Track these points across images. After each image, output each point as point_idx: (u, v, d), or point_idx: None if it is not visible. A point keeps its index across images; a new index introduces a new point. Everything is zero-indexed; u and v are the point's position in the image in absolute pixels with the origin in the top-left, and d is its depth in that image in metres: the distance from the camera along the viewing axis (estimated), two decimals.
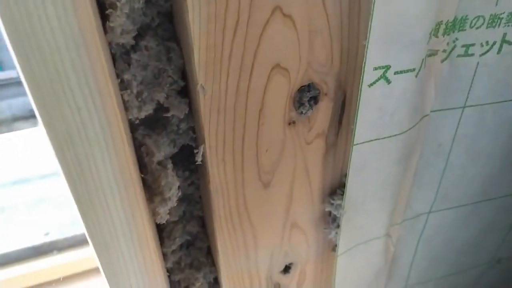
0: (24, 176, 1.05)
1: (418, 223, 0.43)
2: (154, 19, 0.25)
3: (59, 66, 0.19)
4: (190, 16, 0.22)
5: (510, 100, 0.35)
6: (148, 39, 0.25)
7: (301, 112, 0.28)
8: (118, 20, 0.22)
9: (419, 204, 0.41)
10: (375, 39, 0.25)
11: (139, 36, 0.25)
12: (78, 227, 0.91)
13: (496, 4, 0.29)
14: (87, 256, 0.83)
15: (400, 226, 0.41)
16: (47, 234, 0.89)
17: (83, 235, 0.97)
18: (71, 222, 0.90)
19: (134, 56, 0.25)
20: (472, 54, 0.31)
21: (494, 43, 0.31)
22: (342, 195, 0.33)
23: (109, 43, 0.24)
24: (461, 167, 0.38)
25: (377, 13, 0.24)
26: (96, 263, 0.26)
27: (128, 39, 0.24)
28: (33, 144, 1.23)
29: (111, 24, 0.22)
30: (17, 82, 3.40)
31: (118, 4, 0.22)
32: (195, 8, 0.21)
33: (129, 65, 0.25)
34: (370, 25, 0.24)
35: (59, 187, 1.01)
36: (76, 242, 0.86)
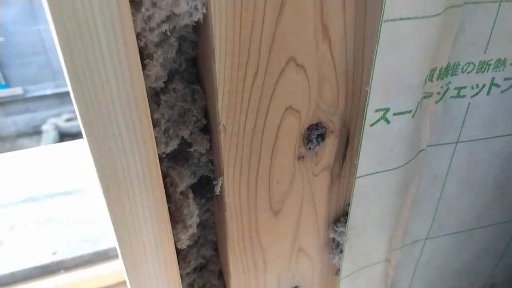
0: (33, 195, 1.08)
1: (416, 249, 0.45)
2: (182, 64, 0.29)
3: (112, 115, 0.22)
4: (216, 66, 0.25)
5: (499, 136, 0.38)
6: (176, 82, 0.28)
7: (310, 148, 0.31)
8: (154, 69, 0.25)
9: (417, 231, 0.44)
10: (376, 86, 0.28)
11: (168, 79, 0.28)
12: (85, 247, 0.93)
13: (485, 52, 0.32)
14: (93, 275, 0.85)
15: (399, 251, 0.43)
16: (54, 253, 0.91)
17: (90, 254, 0.99)
18: (79, 242, 0.92)
19: (163, 98, 0.28)
20: (464, 96, 0.34)
21: (484, 85, 0.34)
22: (345, 223, 0.36)
23: None
24: (455, 197, 0.41)
25: (379, 63, 0.27)
26: (126, 280, 0.28)
27: (160, 84, 0.27)
28: (41, 163, 1.25)
29: (148, 73, 0.25)
30: (22, 99, 3.39)
31: (154, 55, 0.25)
32: (221, 60, 0.25)
33: (158, 105, 0.28)
34: (372, 73, 0.27)
35: (67, 207, 1.03)
36: (83, 262, 0.88)
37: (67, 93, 3.07)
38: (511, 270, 0.54)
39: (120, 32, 0.21)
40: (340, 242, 0.37)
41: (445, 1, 0.27)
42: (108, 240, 0.94)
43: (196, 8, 0.22)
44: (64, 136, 3.09)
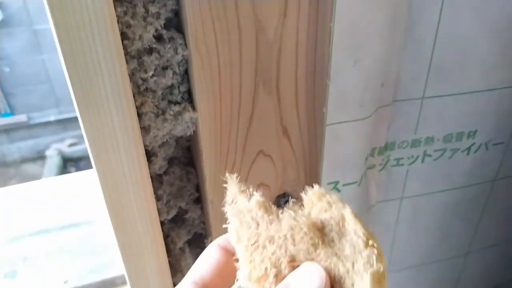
0: (44, 227, 1.16)
1: None
2: (179, 153, 0.38)
3: (127, 198, 0.32)
4: (204, 162, 0.34)
5: (437, 192, 0.47)
6: (174, 167, 0.37)
7: None
8: (158, 163, 0.34)
9: None
10: (327, 165, 0.37)
11: (168, 165, 0.37)
12: (95, 276, 1.01)
13: (415, 133, 0.41)
14: None
15: None
16: (66, 282, 0.99)
17: (98, 282, 1.07)
18: (89, 271, 1.00)
19: (165, 178, 0.37)
20: (403, 164, 0.43)
21: (418, 156, 0.43)
22: None
23: None
24: (406, 239, 0.50)
25: (327, 149, 0.36)
26: None
27: (162, 170, 0.36)
28: (49, 196, 1.34)
29: (154, 166, 0.34)
30: (26, 126, 3.47)
31: (158, 154, 0.34)
32: (207, 156, 0.34)
33: (161, 183, 0.37)
34: (322, 159, 0.37)
35: (77, 238, 1.12)
36: None
37: (70, 119, 3.18)
38: None
39: (134, 148, 0.30)
40: None
41: (375, 104, 0.36)
42: (115, 269, 1.02)
43: (188, 127, 0.32)
44: (67, 160, 3.18)
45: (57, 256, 1.07)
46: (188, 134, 0.32)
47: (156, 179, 0.37)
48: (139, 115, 0.30)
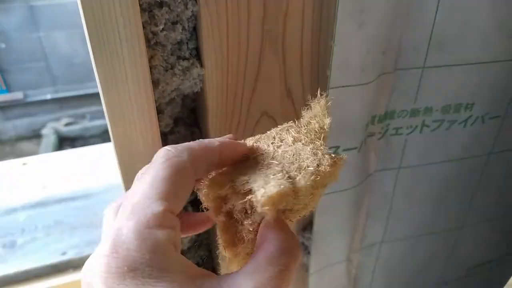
0: (42, 200, 1.17)
1: (374, 251, 0.56)
2: (184, 113, 0.39)
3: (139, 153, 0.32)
4: (209, 120, 0.35)
5: (434, 163, 0.48)
6: (180, 126, 0.38)
7: None
8: (164, 120, 0.35)
9: (373, 236, 0.54)
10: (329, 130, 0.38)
11: (174, 124, 0.38)
12: (91, 248, 1.03)
13: (415, 102, 0.42)
14: None
15: (358, 253, 0.54)
16: (64, 253, 1.00)
17: None
18: (85, 244, 1.02)
19: (170, 137, 0.38)
20: (401, 134, 0.44)
21: (417, 126, 0.44)
22: (311, 230, 0.46)
23: None
24: (402, 209, 0.51)
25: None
26: None
27: (168, 128, 0.37)
28: (47, 170, 1.34)
29: (160, 123, 0.35)
30: (22, 104, 3.44)
31: (165, 111, 0.35)
32: (213, 115, 0.35)
33: (166, 142, 0.38)
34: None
35: (74, 212, 1.13)
36: None
37: (67, 98, 3.16)
38: (459, 270, 0.64)
39: (145, 100, 0.31)
40: (308, 245, 0.47)
41: (377, 71, 0.37)
42: None
43: (196, 84, 0.32)
44: (63, 140, 3.17)
45: (55, 229, 1.08)
46: (196, 90, 0.33)
47: (162, 138, 0.38)
48: (149, 68, 0.30)
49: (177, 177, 0.20)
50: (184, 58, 0.32)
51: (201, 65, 0.32)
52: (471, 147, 0.48)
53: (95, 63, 0.27)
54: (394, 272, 0.60)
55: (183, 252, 0.46)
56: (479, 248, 0.63)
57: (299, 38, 0.33)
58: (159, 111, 0.35)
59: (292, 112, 0.37)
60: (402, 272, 0.61)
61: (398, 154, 0.46)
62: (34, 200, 1.20)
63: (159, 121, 0.35)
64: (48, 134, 3.12)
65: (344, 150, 0.40)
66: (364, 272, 0.58)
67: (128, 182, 0.33)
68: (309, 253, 0.48)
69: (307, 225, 0.47)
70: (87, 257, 0.87)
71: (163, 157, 0.21)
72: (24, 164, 1.45)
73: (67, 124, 3.16)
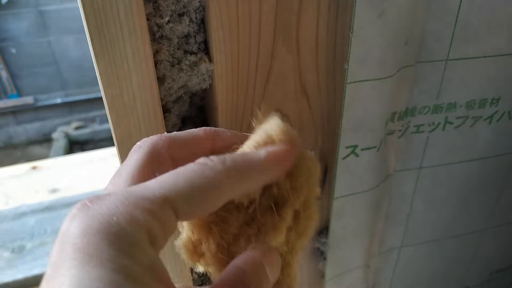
0: (52, 204, 1.16)
1: (393, 256, 0.53)
2: (192, 112, 0.36)
3: None
4: (219, 119, 0.33)
5: (457, 162, 0.45)
6: (188, 126, 0.36)
7: None
8: (171, 119, 0.33)
9: (392, 240, 0.51)
10: (346, 129, 0.36)
11: (182, 123, 0.36)
12: None
13: (437, 98, 0.40)
14: None
15: (377, 258, 0.51)
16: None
17: None
18: None
19: None
20: (423, 131, 0.42)
21: (439, 123, 0.42)
22: (327, 235, 0.43)
23: None
24: (423, 212, 0.49)
25: (346, 114, 0.35)
26: None
27: (176, 128, 0.35)
28: (57, 173, 1.34)
29: (167, 122, 0.33)
30: (33, 108, 3.47)
31: (172, 110, 0.33)
32: (223, 114, 0.32)
33: None
34: (341, 121, 0.35)
35: None
36: None
37: (76, 102, 3.17)
38: (481, 275, 0.61)
39: (150, 98, 0.29)
40: (324, 250, 0.45)
41: (398, 64, 0.35)
42: None
43: (204, 80, 0.30)
44: (73, 143, 3.18)
45: None
46: (204, 87, 0.31)
47: None
48: (154, 63, 0.28)
49: (150, 162, 0.19)
50: (192, 53, 0.30)
51: (210, 60, 0.30)
52: (496, 145, 0.45)
53: (95, 58, 0.25)
54: (414, 278, 0.58)
55: None
56: (502, 252, 0.60)
57: (315, 30, 0.31)
58: (166, 110, 0.33)
59: (307, 109, 0.35)
60: (422, 277, 0.58)
61: (419, 153, 0.43)
62: (43, 204, 1.19)
63: (165, 120, 0.33)
64: (59, 138, 3.14)
65: (362, 149, 0.38)
66: (383, 278, 0.56)
67: None
68: (325, 258, 0.45)
69: (323, 230, 0.44)
70: None
71: (137, 145, 0.21)
72: (34, 167, 1.45)
73: (77, 128, 3.17)
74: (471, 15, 0.35)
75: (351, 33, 0.31)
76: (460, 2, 0.34)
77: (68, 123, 3.25)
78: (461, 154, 0.45)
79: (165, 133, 0.22)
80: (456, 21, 0.35)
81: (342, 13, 0.31)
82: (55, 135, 3.17)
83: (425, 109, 0.40)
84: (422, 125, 0.41)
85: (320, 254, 0.46)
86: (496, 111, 0.42)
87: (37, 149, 3.29)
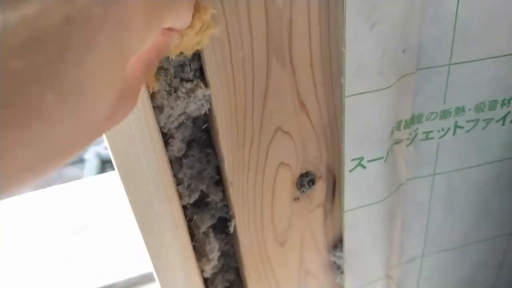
0: (80, 224, 1.19)
1: (415, 265, 0.52)
2: (197, 135, 0.37)
3: (145, 183, 0.31)
4: (221, 141, 0.33)
5: (472, 167, 0.44)
6: (193, 149, 0.37)
7: (303, 191, 0.39)
8: (176, 145, 0.34)
9: (412, 250, 0.50)
10: (349, 142, 0.36)
11: (187, 147, 0.37)
12: (132, 270, 1.03)
13: (444, 103, 0.39)
14: None
15: (398, 268, 0.50)
16: (106, 277, 1.02)
17: (137, 277, 1.07)
18: (125, 266, 1.03)
19: (185, 161, 0.37)
20: (432, 138, 0.41)
21: (449, 128, 0.41)
22: (342, 248, 0.43)
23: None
24: (441, 219, 0.47)
25: (348, 126, 0.35)
26: None
27: (181, 153, 0.36)
28: (85, 195, 1.37)
29: (171, 148, 0.34)
30: None
31: (175, 135, 0.34)
32: (224, 137, 0.33)
33: (181, 167, 0.37)
34: (343, 134, 0.35)
35: (113, 235, 1.15)
36: (130, 283, 0.98)
37: None
38: (511, 281, 0.59)
39: (146, 127, 0.30)
40: (340, 264, 0.44)
41: (397, 73, 0.34)
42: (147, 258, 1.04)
43: (202, 105, 0.31)
44: (105, 162, 3.26)
45: (94, 252, 1.10)
46: (203, 112, 0.32)
47: (176, 163, 0.37)
48: (152, 94, 0.29)
49: None
50: (188, 80, 0.30)
51: (206, 86, 0.31)
52: None
53: None
54: (439, 286, 0.56)
55: (211, 278, 0.44)
56: None
57: (308, 46, 0.31)
58: (170, 136, 0.34)
59: (308, 124, 0.35)
60: (448, 285, 0.56)
61: (431, 160, 0.43)
62: (74, 225, 1.23)
63: (170, 146, 0.34)
64: (91, 158, 3.22)
65: (369, 161, 0.37)
66: None
67: (138, 215, 0.32)
68: (342, 272, 0.45)
69: (337, 243, 0.44)
70: (128, 280, 0.86)
71: None
72: (68, 188, 1.49)
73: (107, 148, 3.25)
74: (470, 17, 0.34)
75: (344, 48, 0.31)
76: (457, 6, 0.33)
77: (98, 143, 3.34)
78: (475, 158, 0.44)
79: None
80: (455, 25, 0.35)
81: (334, 28, 0.31)
82: (87, 156, 3.26)
83: (432, 115, 0.39)
84: (431, 131, 0.41)
85: (336, 268, 0.45)
86: (509, 112, 0.41)
87: (71, 170, 3.38)
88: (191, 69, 0.31)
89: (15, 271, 1.09)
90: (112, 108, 0.17)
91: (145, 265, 1.05)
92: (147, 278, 1.01)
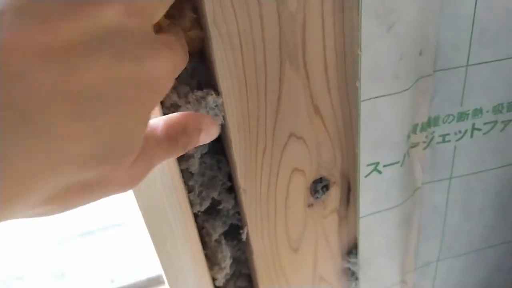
0: (88, 229, 1.19)
1: (430, 270, 0.50)
2: (209, 144, 0.36)
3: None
4: (233, 149, 0.32)
5: (490, 169, 0.43)
6: (205, 157, 0.36)
7: (317, 197, 0.38)
8: (192, 161, 0.33)
9: (428, 254, 0.49)
10: (365, 146, 0.35)
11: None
12: (139, 274, 1.03)
13: (461, 105, 0.38)
14: None
15: (413, 273, 0.49)
16: (113, 281, 1.01)
17: (144, 281, 1.08)
18: (133, 269, 1.02)
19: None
20: (449, 141, 0.40)
21: (466, 131, 0.40)
22: (357, 254, 0.42)
23: None
24: (458, 223, 0.46)
25: (363, 131, 0.34)
26: None
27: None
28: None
29: (191, 169, 0.33)
30: None
31: (195, 155, 0.33)
32: (237, 144, 0.32)
33: (192, 174, 0.36)
34: (359, 138, 0.34)
35: (120, 238, 1.14)
36: (138, 287, 0.97)
37: None
38: None
39: None
40: (355, 271, 0.43)
41: (414, 76, 0.33)
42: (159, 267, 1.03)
43: (216, 115, 0.30)
44: None
45: (103, 256, 1.10)
46: (219, 123, 0.31)
47: (187, 170, 0.36)
48: (161, 102, 0.28)
49: None
50: (198, 88, 0.30)
51: (218, 94, 0.30)
52: None
53: None
54: None
55: (222, 286, 0.44)
56: None
57: (322, 50, 0.30)
58: (190, 156, 0.33)
59: (322, 129, 0.34)
60: None
61: (447, 163, 0.41)
62: (81, 230, 1.23)
63: (184, 160, 0.33)
64: None
65: (385, 166, 0.36)
66: None
67: (150, 224, 0.32)
68: (357, 279, 0.44)
69: (352, 249, 0.43)
70: (135, 283, 0.85)
71: None
72: None
73: None
74: (488, 18, 0.33)
75: (359, 51, 0.30)
76: (475, 7, 0.32)
77: None
78: (493, 161, 0.43)
79: None
80: (473, 26, 0.33)
81: (349, 30, 0.30)
82: None
83: (449, 117, 0.38)
84: (448, 134, 0.39)
85: (351, 275, 0.44)
86: None
87: None
88: (201, 77, 0.30)
89: (15, 271, 1.09)
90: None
91: (153, 269, 1.04)
92: (155, 281, 1.00)
